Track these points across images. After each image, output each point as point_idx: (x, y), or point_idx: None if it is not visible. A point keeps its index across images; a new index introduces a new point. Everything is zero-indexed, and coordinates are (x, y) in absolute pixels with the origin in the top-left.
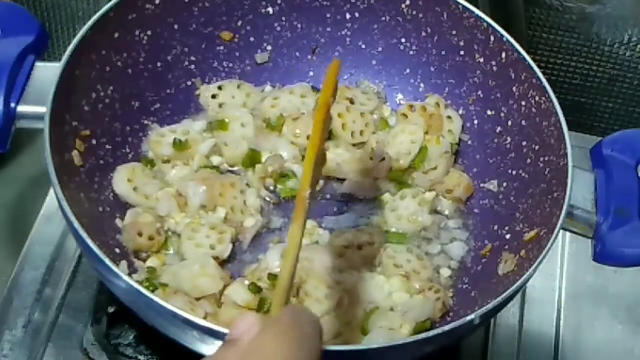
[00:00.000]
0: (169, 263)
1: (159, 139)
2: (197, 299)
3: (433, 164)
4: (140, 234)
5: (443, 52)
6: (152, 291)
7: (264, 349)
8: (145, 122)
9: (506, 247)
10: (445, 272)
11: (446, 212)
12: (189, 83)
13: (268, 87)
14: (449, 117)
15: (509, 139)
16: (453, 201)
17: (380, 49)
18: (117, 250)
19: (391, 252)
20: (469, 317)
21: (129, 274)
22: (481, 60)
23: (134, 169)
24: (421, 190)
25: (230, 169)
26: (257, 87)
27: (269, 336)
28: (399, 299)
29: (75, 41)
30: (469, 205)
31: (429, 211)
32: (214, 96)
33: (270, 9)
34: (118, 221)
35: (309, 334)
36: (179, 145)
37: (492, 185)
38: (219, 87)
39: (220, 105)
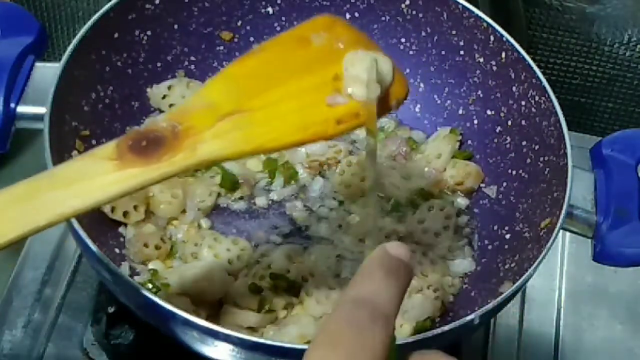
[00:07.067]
0: (175, 266)
1: None
2: (199, 300)
3: (436, 153)
4: (146, 245)
5: (443, 52)
6: (154, 292)
7: None
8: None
9: (506, 247)
10: (447, 281)
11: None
12: None
13: None
14: None
15: (508, 139)
16: (466, 193)
17: None
18: (117, 250)
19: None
20: (469, 317)
21: (131, 276)
22: (481, 60)
23: None
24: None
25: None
26: None
27: None
28: None
29: (75, 41)
30: (469, 206)
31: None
32: (164, 97)
33: (270, 9)
34: None
35: None
36: None
37: (491, 191)
38: (169, 87)
39: (170, 106)
